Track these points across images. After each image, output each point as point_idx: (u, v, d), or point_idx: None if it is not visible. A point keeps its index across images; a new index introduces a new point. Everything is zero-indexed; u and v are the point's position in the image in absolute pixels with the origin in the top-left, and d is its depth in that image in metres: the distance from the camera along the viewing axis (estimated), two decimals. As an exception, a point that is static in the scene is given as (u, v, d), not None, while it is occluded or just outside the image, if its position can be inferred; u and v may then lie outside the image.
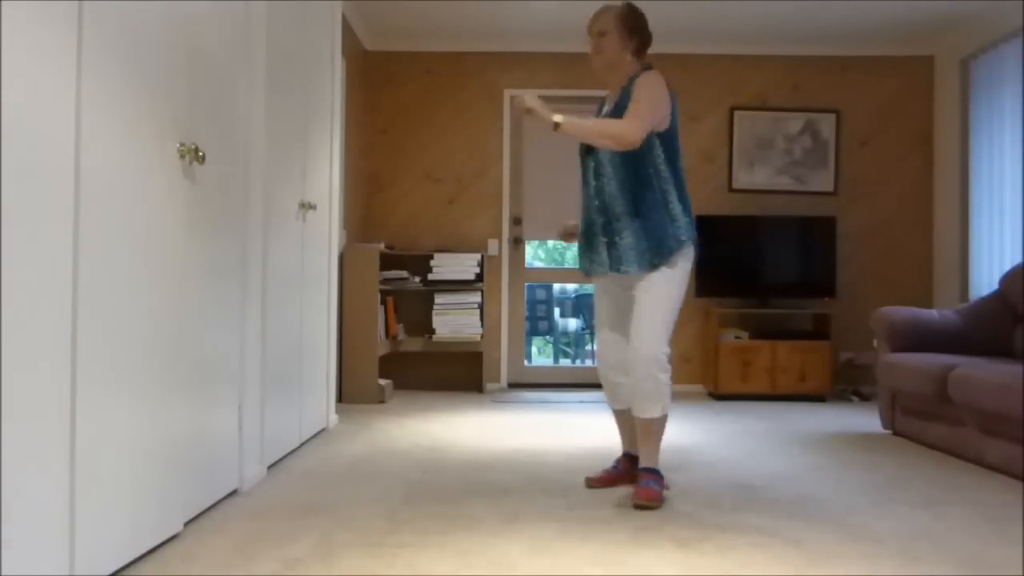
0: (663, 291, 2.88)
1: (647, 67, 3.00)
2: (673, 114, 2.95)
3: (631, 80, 2.95)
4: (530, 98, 2.82)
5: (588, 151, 3.05)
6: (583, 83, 6.19)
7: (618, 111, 2.92)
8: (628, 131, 2.80)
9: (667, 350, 2.87)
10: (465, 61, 6.20)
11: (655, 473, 2.90)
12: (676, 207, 2.92)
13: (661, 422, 2.92)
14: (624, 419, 3.14)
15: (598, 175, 2.99)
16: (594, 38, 3.03)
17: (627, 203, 2.91)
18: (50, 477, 1.75)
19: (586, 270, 3.09)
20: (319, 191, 4.05)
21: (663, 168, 2.91)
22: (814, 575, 2.14)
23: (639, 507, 2.76)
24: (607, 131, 2.82)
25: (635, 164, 2.90)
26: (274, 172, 3.30)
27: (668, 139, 2.93)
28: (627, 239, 2.91)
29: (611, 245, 2.96)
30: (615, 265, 2.95)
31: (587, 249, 3.06)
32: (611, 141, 2.82)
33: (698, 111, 6.22)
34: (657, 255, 2.87)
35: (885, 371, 4.26)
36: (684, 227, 2.91)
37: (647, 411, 2.88)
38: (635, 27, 3.01)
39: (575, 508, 2.78)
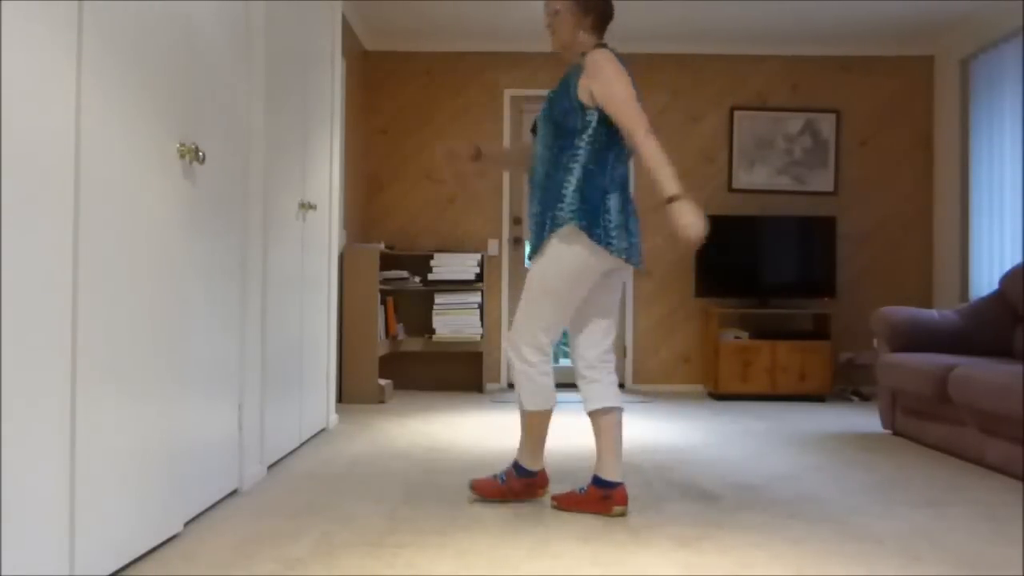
0: (534, 278, 2.73)
1: (601, 45, 2.77)
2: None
3: (583, 57, 2.74)
4: (690, 222, 2.52)
5: (533, 129, 2.90)
6: (583, 83, 6.18)
7: (563, 89, 2.75)
8: (644, 135, 2.58)
9: (531, 341, 2.73)
10: (465, 61, 6.20)
11: (516, 469, 2.84)
12: (570, 186, 2.67)
13: (525, 417, 2.80)
14: (597, 426, 2.80)
15: (535, 154, 2.84)
16: (548, 17, 2.84)
17: (538, 183, 2.77)
18: (50, 477, 1.75)
19: None
20: (319, 191, 4.05)
21: (583, 149, 2.69)
22: (814, 575, 2.14)
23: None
24: (656, 151, 2.57)
25: (559, 144, 2.73)
26: (274, 172, 3.30)
27: (605, 114, 2.69)
28: (532, 220, 2.79)
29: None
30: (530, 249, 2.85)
31: None
32: (660, 153, 2.58)
33: (698, 111, 6.22)
34: (538, 237, 2.74)
35: (885, 371, 4.26)
36: (568, 208, 2.66)
37: (518, 401, 2.83)
38: (588, 4, 2.79)
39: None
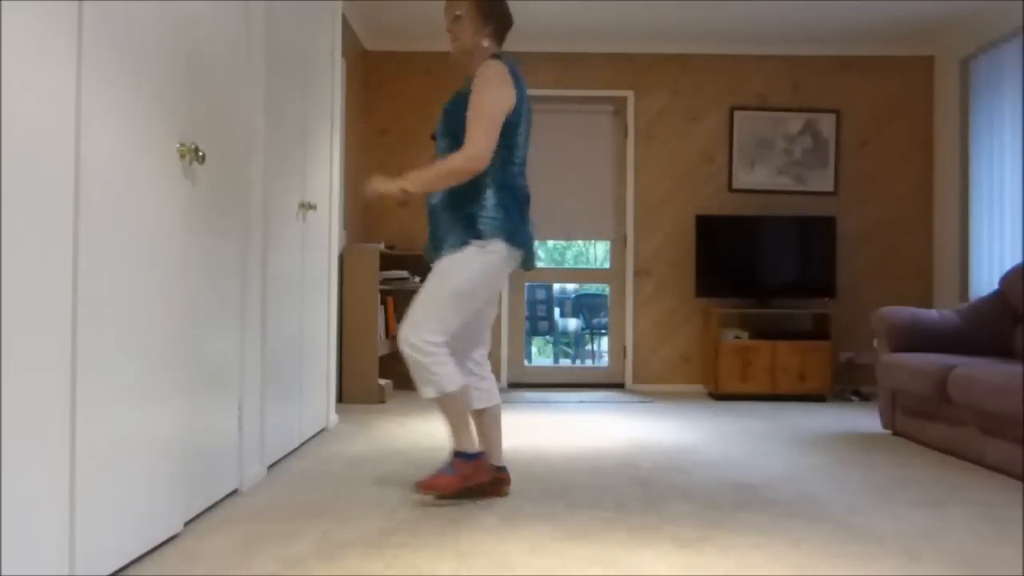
0: (441, 278, 2.74)
1: (495, 56, 2.82)
2: (519, 103, 2.76)
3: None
4: (376, 183, 2.74)
5: (433, 136, 2.93)
6: (583, 83, 6.19)
7: (459, 101, 2.80)
8: (470, 161, 2.67)
9: (431, 338, 2.71)
10: (465, 61, 6.19)
11: (460, 456, 2.81)
12: (490, 199, 2.74)
13: (443, 404, 2.77)
14: (480, 422, 2.98)
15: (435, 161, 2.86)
16: (449, 23, 2.85)
17: (445, 192, 2.79)
18: (50, 477, 1.75)
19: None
20: (319, 191, 4.05)
21: (491, 164, 2.74)
22: (814, 575, 2.14)
23: (419, 492, 2.79)
24: (453, 170, 2.69)
25: None
26: (274, 172, 3.30)
27: (503, 126, 2.75)
28: (443, 228, 2.79)
29: (432, 234, 2.86)
30: (434, 254, 2.84)
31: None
32: (462, 176, 2.70)
33: (698, 111, 6.22)
34: (455, 247, 2.75)
35: (885, 371, 4.26)
36: (489, 221, 2.73)
37: (421, 392, 2.77)
38: (490, 11, 2.83)
39: (575, 508, 2.78)
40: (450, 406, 2.79)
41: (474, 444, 2.83)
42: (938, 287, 6.11)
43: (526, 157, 2.87)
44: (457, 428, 2.82)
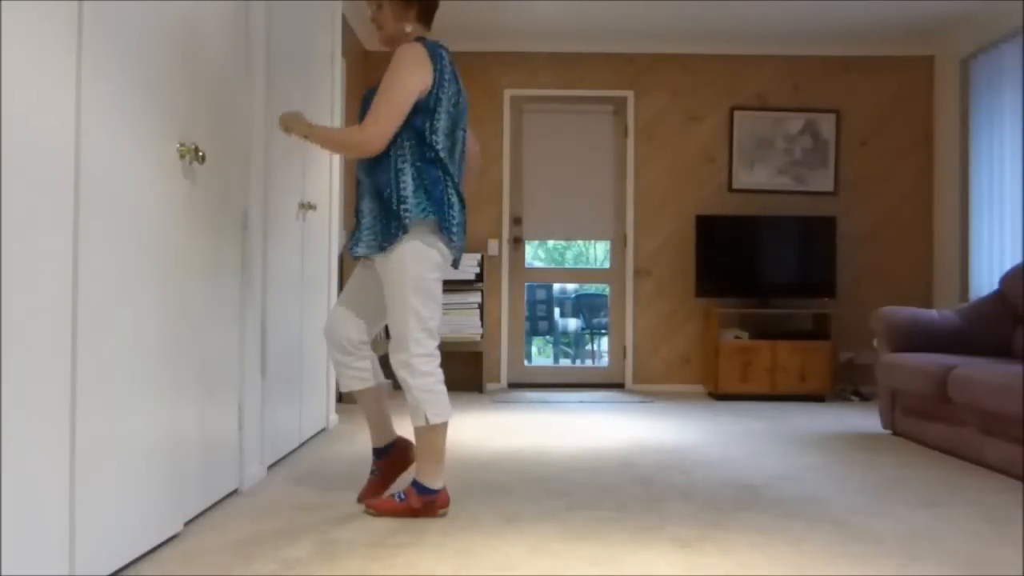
0: (400, 286, 2.60)
1: (420, 39, 2.71)
2: (437, 84, 2.62)
3: None
4: (292, 122, 2.66)
5: (359, 119, 2.82)
6: (583, 83, 6.19)
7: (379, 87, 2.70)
8: (364, 140, 2.56)
9: (420, 350, 2.60)
10: (465, 61, 6.20)
11: (416, 488, 2.65)
12: (408, 185, 2.59)
13: (428, 433, 2.63)
14: (362, 404, 2.82)
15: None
16: (372, 13, 2.75)
17: (367, 180, 2.68)
18: (50, 477, 1.75)
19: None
20: (319, 191, 4.05)
21: (400, 140, 2.61)
22: (814, 575, 2.14)
23: (367, 510, 2.69)
24: (346, 142, 2.62)
25: None
26: (274, 172, 3.30)
27: (416, 109, 2.61)
28: (366, 219, 2.68)
29: (357, 224, 2.74)
30: (354, 246, 2.71)
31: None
32: (350, 151, 2.60)
33: (698, 111, 6.22)
34: (384, 238, 2.61)
35: (885, 371, 4.26)
36: (413, 207, 2.58)
37: (413, 419, 2.65)
38: None
39: (575, 508, 2.78)
40: (432, 437, 2.64)
41: (438, 480, 2.66)
42: (938, 287, 6.11)
43: (456, 144, 2.72)
44: (428, 460, 2.65)
